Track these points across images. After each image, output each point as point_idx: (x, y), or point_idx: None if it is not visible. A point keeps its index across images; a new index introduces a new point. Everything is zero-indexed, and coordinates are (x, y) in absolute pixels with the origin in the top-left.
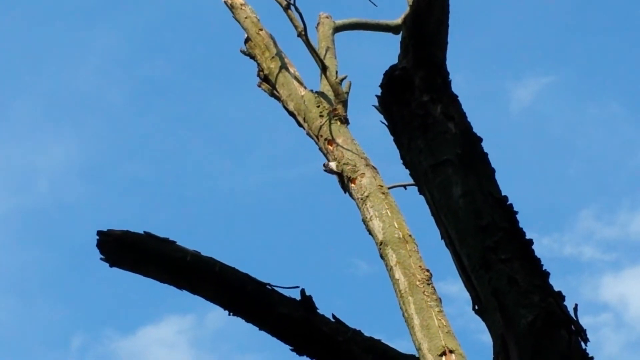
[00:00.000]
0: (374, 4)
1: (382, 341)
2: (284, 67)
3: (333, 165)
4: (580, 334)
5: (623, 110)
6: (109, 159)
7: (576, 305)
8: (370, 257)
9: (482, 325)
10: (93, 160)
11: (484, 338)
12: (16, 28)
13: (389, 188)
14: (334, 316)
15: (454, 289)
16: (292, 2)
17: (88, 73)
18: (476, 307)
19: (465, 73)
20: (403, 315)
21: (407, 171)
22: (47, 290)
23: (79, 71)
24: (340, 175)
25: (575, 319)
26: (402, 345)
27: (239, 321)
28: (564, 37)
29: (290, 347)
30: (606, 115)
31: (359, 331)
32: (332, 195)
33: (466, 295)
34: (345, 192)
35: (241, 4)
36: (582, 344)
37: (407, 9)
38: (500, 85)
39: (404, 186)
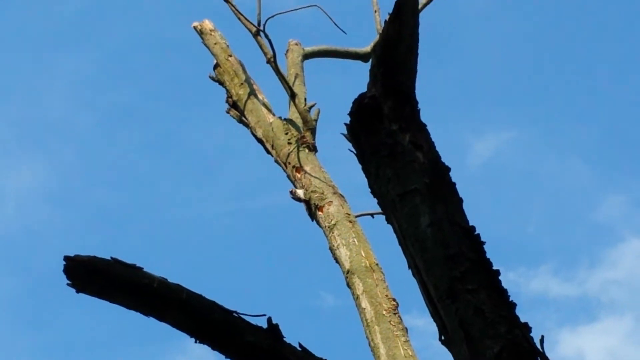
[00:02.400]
0: (344, 32)
1: None
2: (252, 93)
3: (300, 192)
4: None
5: (582, 164)
6: (76, 184)
7: (542, 337)
8: (337, 289)
9: (449, 358)
10: (61, 185)
11: None
12: None
13: (357, 216)
14: (300, 345)
15: (420, 322)
16: (261, 28)
17: (56, 97)
18: (442, 338)
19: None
20: (369, 344)
21: (375, 200)
22: (10, 317)
23: (47, 95)
24: (307, 203)
25: (541, 350)
26: None
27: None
28: (524, 90)
29: None
30: (566, 168)
31: None
32: (300, 224)
33: (433, 329)
34: (312, 220)
35: (211, 30)
36: None
37: (376, 37)
38: (460, 138)
39: (372, 215)
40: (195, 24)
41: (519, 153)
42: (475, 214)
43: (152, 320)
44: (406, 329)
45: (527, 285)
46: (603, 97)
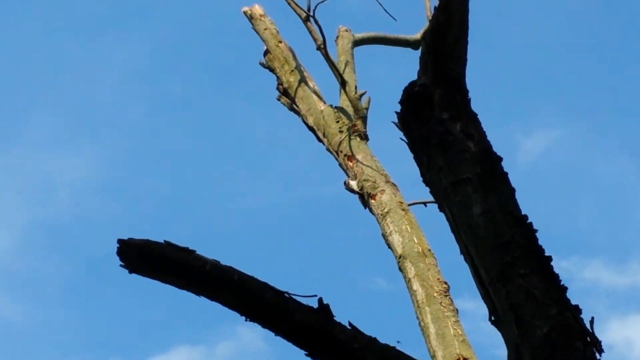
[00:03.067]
0: (394, 18)
1: (397, 349)
2: (303, 80)
3: (354, 184)
4: (596, 345)
5: (632, 165)
6: (128, 173)
7: (592, 318)
8: (389, 275)
9: (498, 340)
10: (113, 174)
11: (500, 352)
12: (36, 41)
13: (409, 205)
14: (350, 324)
15: (471, 305)
16: (311, 14)
17: (108, 87)
18: (492, 319)
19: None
20: (419, 324)
21: (427, 189)
22: (65, 302)
23: (99, 85)
24: (360, 194)
25: (591, 331)
26: (418, 355)
27: (249, 352)
28: (574, 89)
29: (305, 352)
30: (615, 167)
31: (375, 339)
32: (354, 213)
33: (483, 312)
34: (365, 208)
35: (260, 15)
36: (597, 354)
37: (426, 24)
38: (509, 136)
39: (424, 203)
40: (245, 9)
41: (568, 151)
42: (527, 209)
43: (202, 303)
44: (457, 310)
45: (580, 273)
46: None
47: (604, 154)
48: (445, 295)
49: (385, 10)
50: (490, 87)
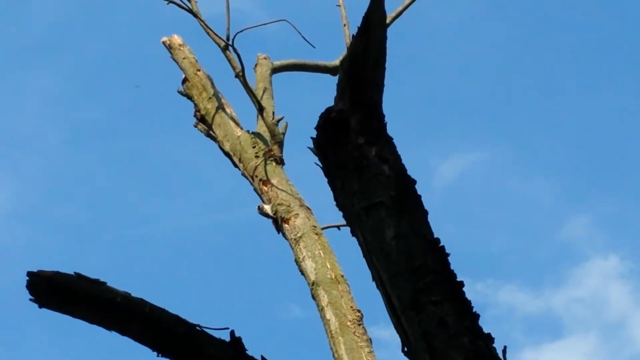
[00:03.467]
0: (312, 46)
1: None
2: (220, 107)
3: (268, 208)
4: None
5: (548, 186)
6: (44, 200)
7: (504, 347)
8: (304, 301)
9: None
10: (28, 201)
11: None
12: None
13: (323, 229)
14: (263, 358)
15: (386, 333)
16: (230, 43)
17: (26, 114)
18: (405, 349)
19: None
20: (333, 355)
21: (341, 212)
22: None
23: (17, 112)
24: (274, 219)
25: None
26: None
27: None
28: (489, 109)
29: None
30: (531, 189)
31: None
32: (267, 238)
33: (398, 340)
34: (279, 233)
35: (179, 45)
36: None
37: (345, 51)
38: (425, 160)
39: (338, 227)
40: (164, 38)
41: (484, 174)
42: (441, 233)
43: (116, 341)
44: (370, 340)
45: (495, 296)
46: (569, 116)
47: (520, 175)
48: (359, 324)
49: (304, 38)
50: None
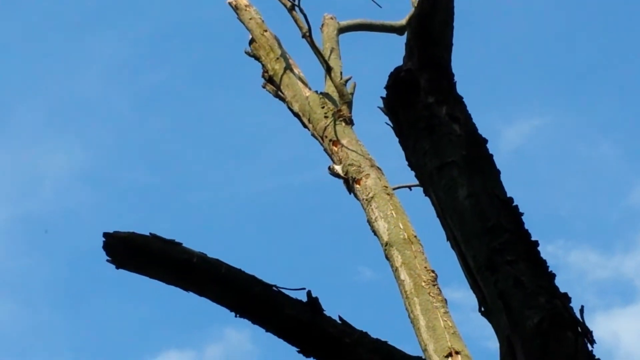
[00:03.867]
0: (379, 5)
1: (389, 343)
2: (288, 68)
3: (338, 169)
4: (587, 335)
5: (614, 150)
6: (113, 165)
7: (582, 307)
8: (376, 264)
9: (488, 332)
10: (97, 166)
11: (491, 345)
12: (20, 35)
13: (394, 189)
14: (340, 318)
15: (459, 295)
16: (296, 3)
17: (92, 80)
18: (482, 309)
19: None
20: (409, 316)
21: (412, 172)
22: (49, 300)
23: (83, 78)
24: (345, 179)
25: (581, 320)
26: (409, 348)
27: (238, 354)
28: (554, 77)
29: (297, 349)
30: (597, 154)
31: (366, 333)
32: (339, 199)
33: (472, 302)
34: (350, 193)
35: (245, 5)
36: (589, 345)
37: (412, 10)
38: (490, 125)
39: (409, 187)
40: (230, 0)
41: (549, 139)
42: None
43: (190, 305)
44: (445, 300)
45: (565, 259)
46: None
47: (587, 141)
48: (434, 285)
49: None
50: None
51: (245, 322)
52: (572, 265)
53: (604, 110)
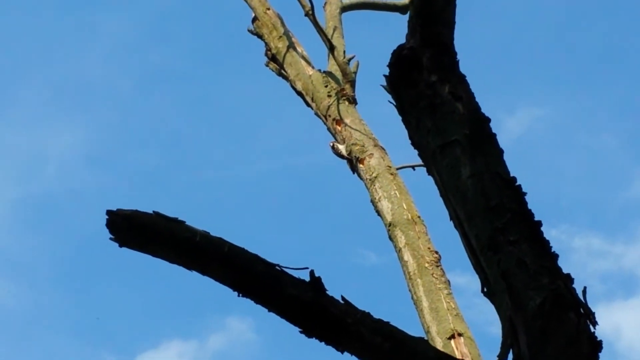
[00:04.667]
0: None
1: (391, 323)
2: (291, 46)
3: (342, 148)
4: (589, 316)
5: (615, 141)
6: (117, 145)
7: (584, 288)
8: (379, 247)
9: (492, 317)
10: (101, 146)
11: (494, 330)
12: (23, 15)
13: (398, 169)
14: (343, 298)
15: (462, 280)
16: None
17: (96, 60)
18: (485, 289)
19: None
20: (412, 297)
21: (416, 152)
22: (55, 282)
23: (87, 58)
24: (349, 159)
25: (584, 301)
26: (412, 330)
27: (240, 343)
28: (556, 67)
29: (299, 329)
30: (598, 146)
31: (368, 313)
32: (343, 181)
33: (475, 287)
34: (353, 173)
35: None
36: (591, 326)
37: None
38: (492, 115)
39: (413, 167)
40: None
41: (551, 129)
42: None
43: (193, 294)
44: (449, 281)
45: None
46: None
47: (588, 131)
48: (437, 266)
49: None
50: (471, 64)
51: (248, 312)
52: (576, 250)
53: (605, 101)
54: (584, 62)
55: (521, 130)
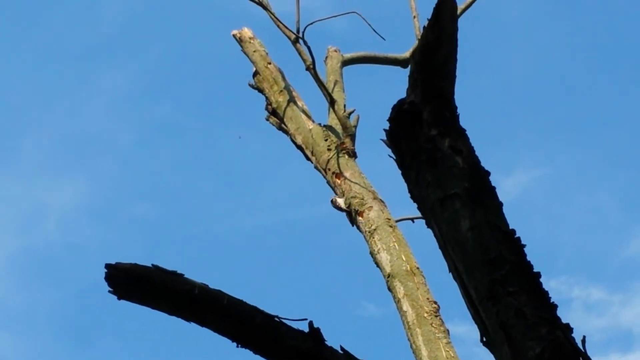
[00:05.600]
0: (382, 38)
1: None
2: (292, 100)
3: (341, 202)
4: None
5: (612, 200)
6: (117, 198)
7: (584, 337)
8: (379, 298)
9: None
10: (102, 200)
11: None
12: (25, 68)
13: (397, 221)
14: (342, 348)
15: (462, 329)
16: (300, 35)
17: (97, 113)
18: (484, 340)
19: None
20: (411, 346)
21: (415, 205)
22: (55, 333)
23: (88, 111)
24: (348, 212)
25: (583, 351)
26: None
27: None
28: (552, 129)
29: None
30: (595, 204)
31: None
32: (342, 234)
33: (474, 336)
34: (353, 226)
35: (250, 38)
36: None
37: (415, 43)
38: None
39: (412, 219)
40: (235, 32)
41: (549, 190)
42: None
43: (193, 334)
44: (448, 331)
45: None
46: (633, 130)
47: (584, 192)
48: (436, 316)
49: (374, 30)
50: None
51: None
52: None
53: (600, 162)
54: (581, 122)
55: (519, 191)
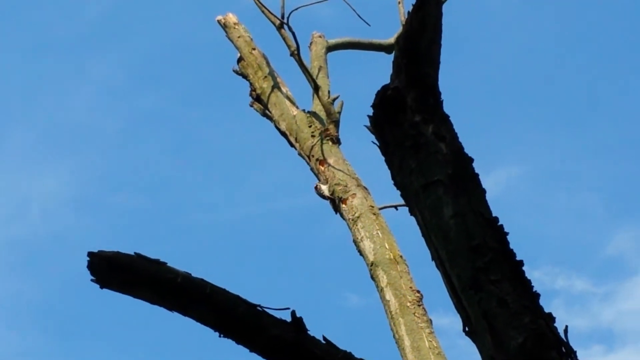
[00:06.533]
0: (367, 23)
1: None
2: (276, 86)
3: (325, 189)
4: (571, 355)
5: (595, 198)
6: (102, 188)
7: (566, 327)
8: (362, 289)
9: (474, 357)
10: (86, 189)
11: None
12: (10, 58)
13: (380, 209)
14: (324, 338)
15: (445, 321)
16: (285, 21)
17: (82, 103)
18: (466, 329)
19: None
20: (394, 336)
21: (398, 192)
22: (39, 324)
23: (73, 101)
24: (331, 199)
25: (565, 340)
26: None
27: None
28: (534, 125)
29: None
30: (577, 203)
31: (350, 353)
32: (325, 225)
33: (457, 328)
34: (336, 213)
35: (234, 23)
36: None
37: (400, 29)
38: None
39: (395, 207)
40: (219, 17)
41: (529, 188)
42: None
43: (175, 324)
44: (430, 320)
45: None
46: (617, 129)
47: (567, 189)
48: (419, 305)
49: (359, 16)
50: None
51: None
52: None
53: (582, 160)
54: (563, 119)
55: (499, 189)
